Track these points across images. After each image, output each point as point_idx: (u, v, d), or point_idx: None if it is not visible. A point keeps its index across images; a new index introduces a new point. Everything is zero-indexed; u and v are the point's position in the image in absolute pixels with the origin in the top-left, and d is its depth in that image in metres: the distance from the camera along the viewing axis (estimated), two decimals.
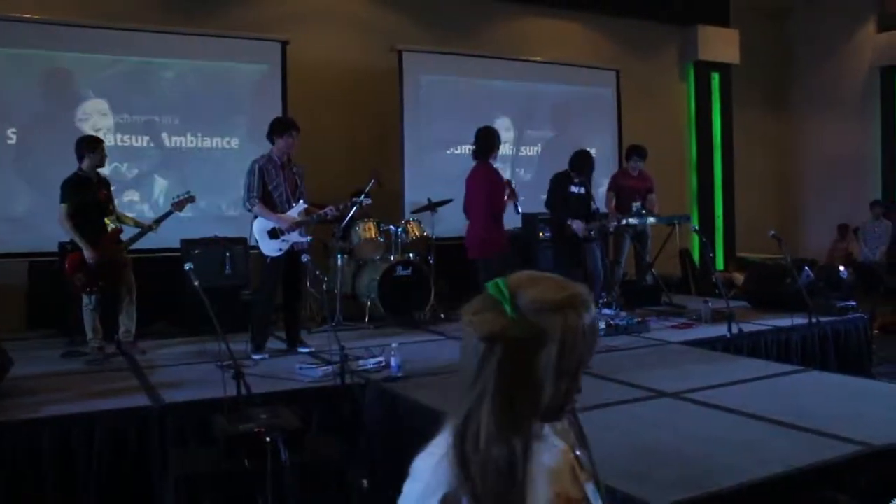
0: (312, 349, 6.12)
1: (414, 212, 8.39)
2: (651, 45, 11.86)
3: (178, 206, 6.28)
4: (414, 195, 8.97)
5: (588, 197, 7.81)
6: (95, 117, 7.90)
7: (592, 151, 10.25)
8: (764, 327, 6.87)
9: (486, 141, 5.82)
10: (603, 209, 8.53)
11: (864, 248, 11.03)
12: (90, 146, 6.05)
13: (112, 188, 6.37)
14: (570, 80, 10.52)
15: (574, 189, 7.70)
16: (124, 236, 6.15)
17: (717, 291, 8.49)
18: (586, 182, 7.81)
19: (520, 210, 7.13)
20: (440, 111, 9.44)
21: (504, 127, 9.75)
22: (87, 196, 5.94)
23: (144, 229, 6.20)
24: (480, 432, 1.16)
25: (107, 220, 6.04)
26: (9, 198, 7.49)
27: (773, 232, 6.79)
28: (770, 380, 5.02)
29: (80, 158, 6.01)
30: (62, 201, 5.84)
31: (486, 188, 5.75)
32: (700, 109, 12.27)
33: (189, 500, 3.42)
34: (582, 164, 7.72)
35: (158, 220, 6.26)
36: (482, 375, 1.18)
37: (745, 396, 4.50)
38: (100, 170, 6.19)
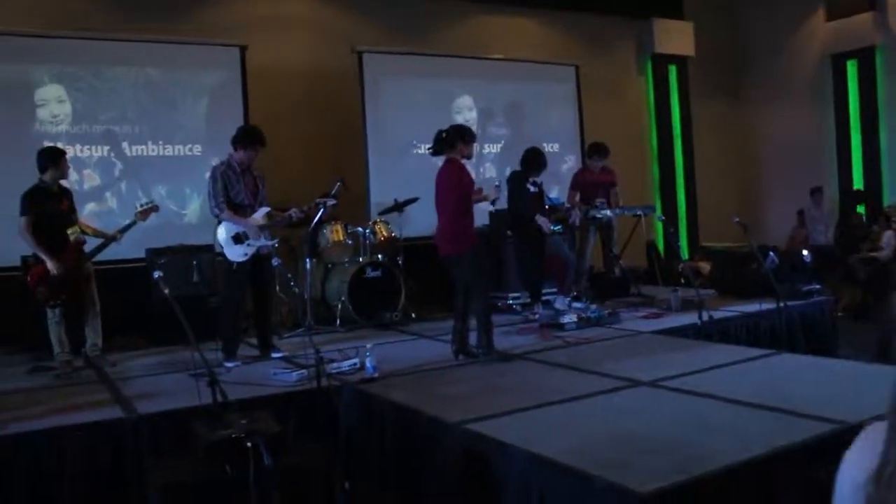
0: (286, 354, 6.07)
1: (381, 213, 8.35)
2: (608, 40, 11.95)
3: (142, 215, 6.17)
4: (380, 196, 8.93)
5: (542, 194, 7.84)
6: (53, 104, 7.73)
7: (555, 147, 10.39)
8: (733, 313, 6.97)
9: (452, 136, 5.76)
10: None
11: (814, 233, 11.22)
12: (53, 158, 5.92)
13: (73, 198, 6.24)
14: (530, 77, 10.53)
15: (530, 187, 7.72)
16: (87, 247, 6.04)
17: (683, 280, 8.59)
18: (539, 180, 7.86)
19: (493, 208, 7.15)
20: (402, 111, 9.40)
21: (467, 107, 9.84)
22: (48, 207, 5.82)
23: (108, 240, 6.08)
24: None
25: (69, 231, 5.91)
26: None
27: (737, 218, 6.86)
28: (743, 364, 5.10)
29: (43, 170, 5.88)
30: (22, 214, 5.72)
31: (455, 185, 5.70)
32: (659, 102, 12.41)
33: None
34: (535, 163, 7.73)
35: (122, 231, 6.13)
36: None
37: (719, 381, 4.55)
38: (61, 181, 6.09)
